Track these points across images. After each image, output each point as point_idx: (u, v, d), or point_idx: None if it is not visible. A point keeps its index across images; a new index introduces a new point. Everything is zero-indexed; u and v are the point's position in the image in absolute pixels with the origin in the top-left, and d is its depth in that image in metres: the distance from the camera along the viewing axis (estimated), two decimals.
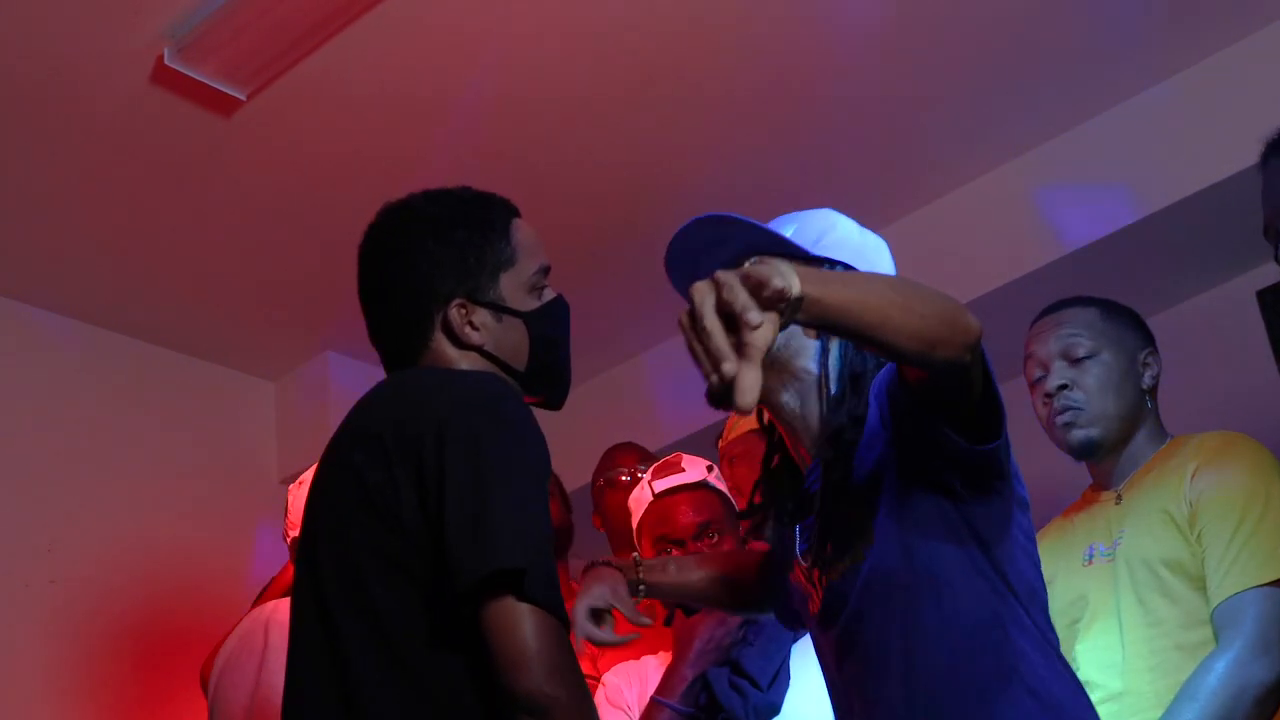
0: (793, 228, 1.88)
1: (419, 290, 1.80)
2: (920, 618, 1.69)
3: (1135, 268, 3.55)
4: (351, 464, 1.67)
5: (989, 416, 1.64)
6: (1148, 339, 2.51)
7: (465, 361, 1.79)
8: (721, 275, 1.29)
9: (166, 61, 3.05)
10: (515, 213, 1.88)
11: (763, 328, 1.27)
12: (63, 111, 3.20)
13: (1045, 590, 1.79)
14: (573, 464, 3.32)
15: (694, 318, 1.28)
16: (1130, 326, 2.50)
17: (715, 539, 2.52)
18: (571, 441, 3.20)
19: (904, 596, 1.70)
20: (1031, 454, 2.65)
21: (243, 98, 3.20)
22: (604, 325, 4.00)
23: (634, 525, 2.71)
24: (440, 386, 1.70)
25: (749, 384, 1.25)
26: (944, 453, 1.66)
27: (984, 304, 3.59)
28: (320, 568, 1.68)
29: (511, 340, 1.81)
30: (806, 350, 1.82)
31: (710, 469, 2.62)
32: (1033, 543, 1.78)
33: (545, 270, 1.86)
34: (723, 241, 1.86)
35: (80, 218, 3.54)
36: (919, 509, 1.71)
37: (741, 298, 1.27)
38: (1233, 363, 3.59)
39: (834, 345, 1.82)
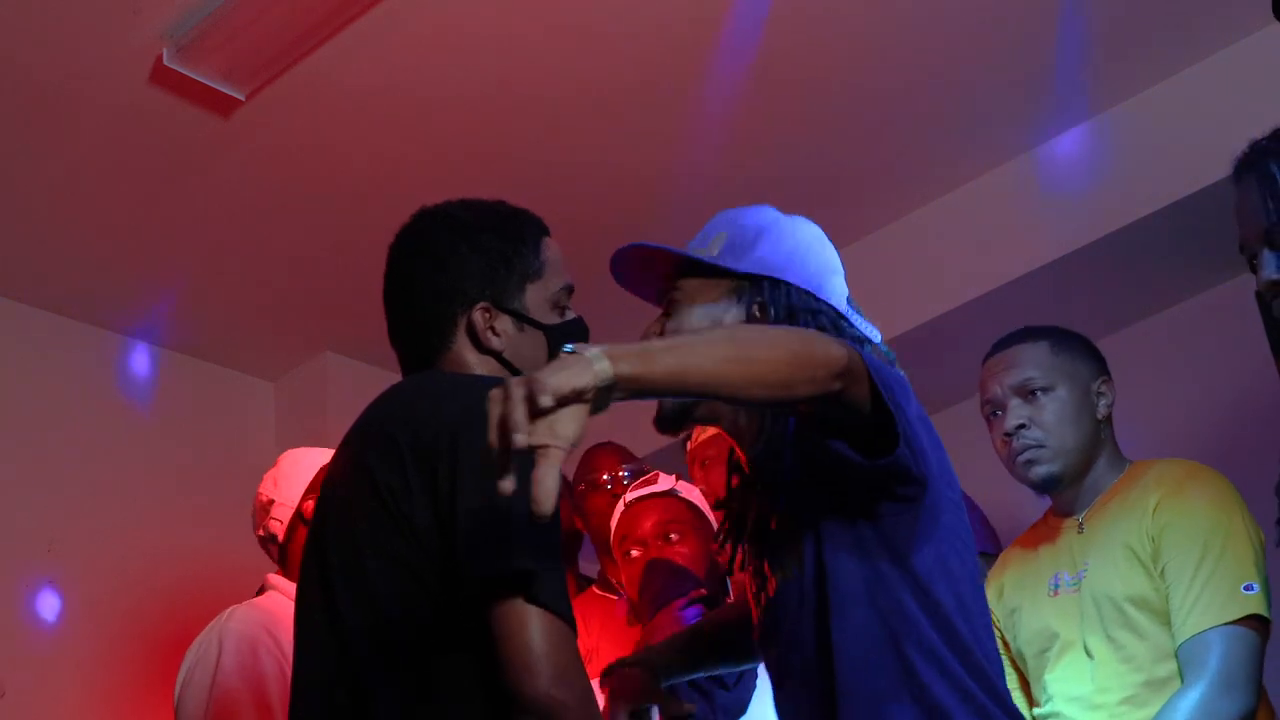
0: (723, 236, 1.89)
1: (446, 290, 1.81)
2: (833, 635, 1.72)
3: (1136, 267, 3.56)
4: (366, 466, 1.68)
5: (884, 430, 1.64)
6: (1100, 367, 2.50)
7: (483, 367, 1.80)
8: (514, 386, 1.33)
9: (165, 62, 3.05)
10: (546, 231, 1.90)
11: (566, 422, 1.32)
12: (62, 111, 3.20)
13: (980, 587, 1.80)
14: (569, 465, 3.32)
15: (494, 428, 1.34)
16: (1081, 357, 2.49)
17: (676, 538, 2.57)
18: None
19: (822, 614, 1.73)
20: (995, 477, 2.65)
21: (242, 98, 3.19)
22: (602, 326, 4.00)
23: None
24: (456, 390, 1.71)
25: (546, 490, 1.31)
26: (845, 471, 1.69)
27: (992, 299, 3.62)
28: (330, 567, 1.69)
29: (531, 351, 1.83)
30: None
31: (677, 478, 2.69)
32: (964, 542, 1.77)
33: (569, 290, 1.89)
34: (654, 260, 1.90)
35: (79, 217, 3.54)
36: (832, 525, 1.73)
37: (515, 416, 1.32)
38: (1232, 362, 3.59)
39: None
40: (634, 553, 2.60)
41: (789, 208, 1.95)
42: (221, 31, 2.97)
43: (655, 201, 3.64)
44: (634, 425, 4.08)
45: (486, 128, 3.38)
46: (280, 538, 2.60)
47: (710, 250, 1.89)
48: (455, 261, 1.82)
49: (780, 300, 1.84)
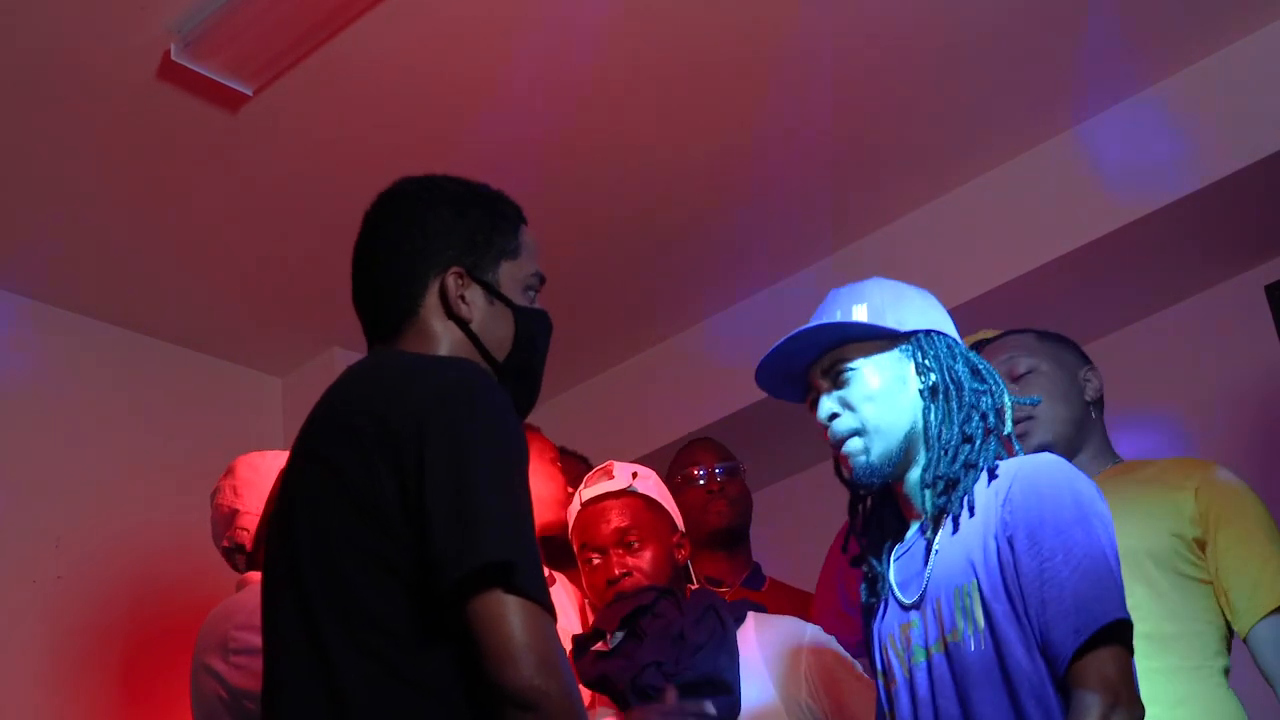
0: (863, 307, 1.98)
1: (424, 249, 1.82)
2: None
3: (1145, 262, 3.55)
4: (330, 459, 1.67)
5: None
6: (1085, 359, 2.57)
7: (448, 335, 1.80)
8: None
9: (173, 57, 3.05)
10: (524, 219, 1.92)
11: None
12: (69, 107, 3.20)
13: None
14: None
15: None
16: (1065, 347, 2.57)
17: (636, 544, 2.51)
18: (569, 441, 3.19)
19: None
20: None
21: (249, 93, 3.19)
22: (610, 321, 4.00)
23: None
24: (419, 375, 1.70)
25: None
26: None
27: (998, 295, 3.61)
28: (300, 561, 1.67)
29: (497, 328, 1.83)
30: None
31: (635, 475, 2.60)
32: None
33: (540, 278, 1.90)
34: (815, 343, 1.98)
35: (86, 212, 3.54)
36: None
37: None
38: (1242, 356, 3.58)
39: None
40: (594, 560, 2.53)
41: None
42: (228, 27, 2.97)
43: (668, 200, 3.63)
44: (638, 425, 4.09)
45: (493, 122, 3.37)
46: (249, 546, 2.53)
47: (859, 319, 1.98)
48: (437, 222, 1.83)
49: (939, 348, 1.96)
